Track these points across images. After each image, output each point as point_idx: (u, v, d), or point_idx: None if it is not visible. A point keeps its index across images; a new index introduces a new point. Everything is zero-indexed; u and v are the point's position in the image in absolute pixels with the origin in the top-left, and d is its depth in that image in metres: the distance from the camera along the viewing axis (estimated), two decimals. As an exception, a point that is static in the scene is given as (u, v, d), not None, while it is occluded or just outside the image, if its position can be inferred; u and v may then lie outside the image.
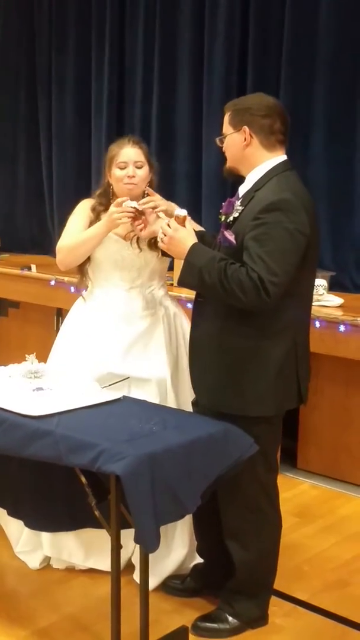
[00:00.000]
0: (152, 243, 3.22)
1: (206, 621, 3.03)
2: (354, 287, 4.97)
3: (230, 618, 3.02)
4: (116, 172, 3.26)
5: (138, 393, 3.18)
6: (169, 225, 2.83)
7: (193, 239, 2.80)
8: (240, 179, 2.90)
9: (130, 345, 3.28)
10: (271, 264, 2.61)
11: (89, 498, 2.72)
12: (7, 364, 3.05)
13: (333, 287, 4.75)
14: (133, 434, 2.56)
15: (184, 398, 3.25)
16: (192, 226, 2.93)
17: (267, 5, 5.09)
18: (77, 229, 3.31)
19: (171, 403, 3.22)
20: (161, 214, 3.11)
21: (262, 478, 2.93)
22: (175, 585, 3.26)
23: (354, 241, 4.95)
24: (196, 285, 2.79)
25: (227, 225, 2.80)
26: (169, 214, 3.04)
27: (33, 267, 5.70)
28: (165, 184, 3.48)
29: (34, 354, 3.01)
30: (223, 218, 2.82)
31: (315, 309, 3.94)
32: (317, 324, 4.19)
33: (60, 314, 5.58)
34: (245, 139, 2.80)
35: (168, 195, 3.30)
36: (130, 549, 3.25)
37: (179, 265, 2.84)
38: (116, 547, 2.59)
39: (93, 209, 3.33)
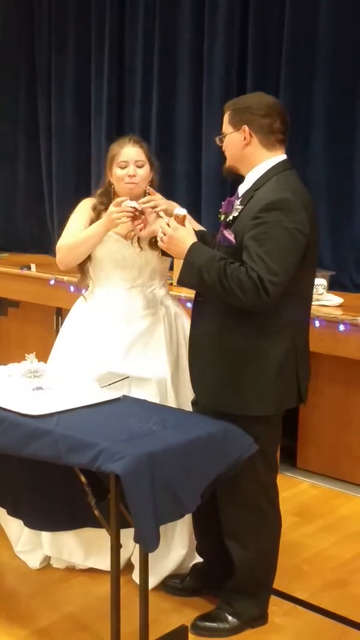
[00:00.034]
0: (153, 242, 3.22)
1: (206, 620, 3.03)
2: (354, 286, 4.97)
3: (229, 617, 3.02)
4: (117, 172, 3.26)
5: (138, 392, 3.18)
6: (168, 224, 2.83)
7: (192, 238, 2.80)
8: (240, 179, 2.90)
9: (131, 344, 3.28)
10: (271, 263, 2.61)
11: (89, 497, 2.72)
12: (6, 364, 3.05)
13: (333, 287, 4.75)
14: (132, 433, 2.56)
15: (184, 398, 3.25)
16: (192, 226, 2.93)
17: (267, 5, 5.09)
18: (77, 228, 3.31)
19: (171, 403, 3.22)
20: (162, 214, 3.11)
21: (262, 477, 2.93)
22: (175, 585, 3.26)
23: (353, 241, 4.95)
24: (196, 285, 2.79)
25: (227, 225, 2.80)
26: (168, 213, 3.04)
27: (33, 266, 5.70)
28: (164, 183, 3.48)
29: (34, 353, 3.01)
30: (222, 217, 2.82)
31: (314, 309, 3.95)
32: (317, 323, 4.20)
33: (60, 313, 5.58)
34: (244, 138, 2.80)
35: (168, 194, 3.30)
36: (130, 549, 3.25)
37: (178, 264, 2.84)
38: (116, 547, 2.59)
39: (94, 208, 3.33)
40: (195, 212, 3.39)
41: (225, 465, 2.68)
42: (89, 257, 3.33)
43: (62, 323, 3.60)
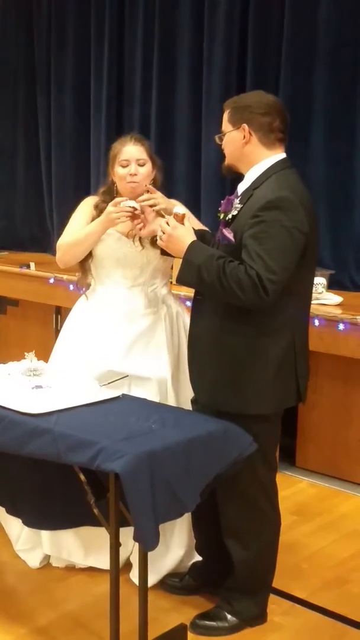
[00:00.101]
0: (155, 241, 3.21)
1: (205, 619, 3.03)
2: (353, 285, 4.97)
3: (229, 616, 3.02)
4: (119, 170, 3.26)
5: (138, 392, 3.18)
6: (167, 223, 2.83)
7: (192, 237, 2.80)
8: (239, 177, 2.90)
9: (132, 343, 3.28)
10: (270, 262, 2.61)
11: (88, 496, 2.72)
12: (6, 362, 3.05)
13: (332, 286, 4.75)
14: (132, 432, 2.56)
15: (184, 397, 3.24)
16: (194, 225, 2.93)
17: (267, 4, 5.08)
18: (78, 226, 3.31)
19: (171, 402, 3.21)
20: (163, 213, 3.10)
21: (261, 476, 2.93)
22: (174, 583, 3.27)
23: (353, 240, 4.95)
24: (195, 283, 2.78)
25: (226, 223, 2.80)
26: (168, 212, 3.04)
27: (32, 265, 5.70)
28: (164, 182, 3.47)
29: (33, 351, 3.01)
30: (222, 216, 2.82)
31: (314, 307, 3.94)
32: (316, 322, 4.20)
33: (60, 312, 5.58)
34: (244, 137, 2.80)
35: (167, 193, 3.29)
36: (130, 548, 3.26)
37: (177, 263, 2.84)
38: (115, 545, 2.60)
39: (96, 207, 3.32)
40: (195, 211, 3.39)
41: (225, 464, 2.68)
42: (90, 255, 3.33)
43: (61, 322, 3.60)
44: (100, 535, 3.09)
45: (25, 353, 3.00)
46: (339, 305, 4.43)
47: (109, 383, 3.03)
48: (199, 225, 3.22)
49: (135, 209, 3.11)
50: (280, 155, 2.84)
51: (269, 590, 3.12)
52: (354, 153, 4.87)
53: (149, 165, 3.27)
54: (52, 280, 5.43)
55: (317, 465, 4.56)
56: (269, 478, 2.99)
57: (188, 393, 3.17)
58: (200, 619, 3.03)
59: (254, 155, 2.82)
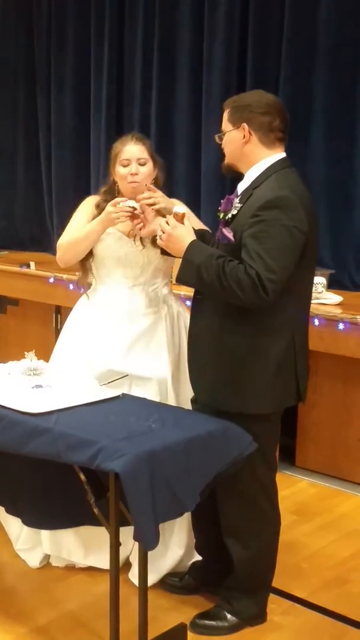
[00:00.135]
0: (155, 240, 3.21)
1: (205, 619, 3.03)
2: (353, 285, 4.97)
3: (228, 615, 3.02)
4: (120, 170, 3.26)
5: (139, 392, 3.17)
6: (167, 222, 2.83)
7: (191, 236, 2.80)
8: (239, 176, 2.90)
9: (132, 343, 3.28)
10: (269, 261, 2.61)
11: (88, 495, 2.72)
12: (6, 361, 3.05)
13: (332, 285, 4.75)
14: (132, 431, 2.56)
15: (184, 398, 3.24)
16: (195, 224, 2.93)
17: (267, 4, 5.08)
18: (78, 226, 3.31)
19: (172, 402, 3.21)
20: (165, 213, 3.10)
21: (261, 476, 2.93)
22: (174, 583, 3.27)
23: (353, 239, 4.95)
24: (194, 283, 2.78)
25: (226, 223, 2.80)
26: (168, 211, 3.04)
27: (32, 264, 5.70)
28: (165, 182, 3.47)
29: (33, 351, 3.01)
30: (221, 215, 2.82)
31: (314, 307, 3.95)
32: (316, 321, 4.20)
33: (59, 311, 5.58)
34: (244, 136, 2.80)
35: (167, 193, 3.29)
36: (129, 547, 3.26)
37: (177, 262, 2.84)
38: (115, 545, 2.60)
39: (97, 206, 3.32)
40: (195, 211, 3.39)
41: (225, 464, 2.68)
42: (91, 255, 3.33)
43: (61, 321, 3.60)
44: (100, 535, 3.09)
45: (25, 352, 3.00)
46: (338, 304, 4.43)
47: (109, 382, 3.03)
48: (200, 225, 3.22)
49: (134, 208, 3.10)
50: (280, 154, 2.84)
51: (269, 589, 3.12)
52: (354, 153, 4.87)
53: (150, 165, 3.27)
54: (52, 280, 5.43)
55: (317, 464, 4.57)
56: (268, 477, 2.99)
57: (188, 393, 3.17)
58: (200, 619, 3.03)
59: (253, 155, 2.82)
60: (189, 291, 3.17)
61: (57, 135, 6.46)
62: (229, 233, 2.75)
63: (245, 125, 2.80)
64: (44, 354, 3.22)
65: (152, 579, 3.17)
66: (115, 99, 6.06)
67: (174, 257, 2.89)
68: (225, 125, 2.87)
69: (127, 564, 3.31)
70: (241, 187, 2.85)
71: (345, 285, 4.96)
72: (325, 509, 4.14)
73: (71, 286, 5.15)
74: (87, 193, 3.54)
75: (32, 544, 3.45)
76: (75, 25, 6.27)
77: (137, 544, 2.75)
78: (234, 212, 2.79)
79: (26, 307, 5.92)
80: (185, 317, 3.39)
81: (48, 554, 3.45)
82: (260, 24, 5.11)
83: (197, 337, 2.92)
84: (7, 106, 6.69)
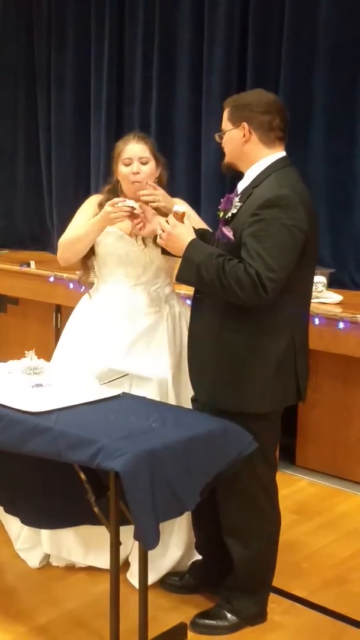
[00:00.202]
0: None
1: (205, 618, 3.03)
2: (353, 284, 4.97)
3: (229, 615, 3.02)
4: (122, 169, 3.26)
5: (139, 392, 3.16)
6: (167, 221, 2.83)
7: (191, 236, 2.80)
8: (239, 175, 2.90)
9: (133, 342, 3.27)
10: (269, 260, 2.61)
11: (88, 495, 2.72)
12: (6, 360, 3.05)
13: (332, 284, 4.75)
14: (132, 430, 2.56)
15: (185, 398, 3.23)
16: (196, 224, 2.93)
17: (267, 4, 5.08)
18: (79, 224, 3.30)
19: (172, 403, 3.20)
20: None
21: (261, 475, 2.93)
22: (174, 582, 3.26)
23: (353, 238, 4.95)
24: (194, 282, 2.78)
25: (226, 222, 2.80)
26: (168, 210, 3.04)
27: (32, 263, 5.70)
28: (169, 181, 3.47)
29: (34, 350, 3.01)
30: (221, 214, 2.82)
31: (314, 306, 3.94)
32: (317, 320, 4.20)
33: (59, 310, 5.58)
34: (244, 135, 2.80)
35: (168, 192, 3.29)
36: (129, 547, 3.25)
37: (177, 261, 2.84)
38: (115, 544, 2.59)
39: (100, 205, 3.31)
40: (195, 210, 3.39)
41: (225, 463, 2.68)
42: (93, 253, 3.33)
43: (61, 320, 3.60)
44: (100, 535, 3.09)
45: (26, 351, 3.00)
46: (339, 304, 4.43)
47: (109, 381, 3.03)
48: (201, 224, 3.23)
49: (133, 208, 3.10)
50: (280, 153, 2.84)
51: (269, 589, 3.12)
52: (354, 153, 4.87)
53: (152, 164, 3.26)
54: (52, 279, 5.43)
55: (317, 464, 4.56)
56: (269, 477, 2.99)
57: (189, 394, 3.16)
58: (200, 618, 3.03)
59: (253, 154, 2.82)
60: (189, 290, 3.17)
61: (57, 135, 6.46)
62: (228, 232, 2.75)
63: (245, 124, 2.79)
64: (44, 353, 3.22)
65: (152, 578, 3.16)
66: (115, 98, 6.06)
67: (175, 256, 2.89)
68: (225, 124, 2.87)
69: (127, 564, 3.31)
70: (241, 186, 2.85)
71: (346, 284, 4.96)
72: (326, 508, 4.14)
73: (71, 285, 5.15)
74: (87, 192, 3.55)
75: (32, 544, 3.45)
76: (76, 25, 6.28)
77: (136, 544, 2.75)
78: (234, 211, 2.79)
79: (26, 306, 5.92)
80: (187, 317, 3.38)
81: (48, 554, 3.45)
82: (260, 24, 5.11)
83: (197, 336, 2.92)
84: (7, 106, 6.69)
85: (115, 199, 3.16)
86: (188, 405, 3.13)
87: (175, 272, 2.88)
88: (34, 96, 6.67)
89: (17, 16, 6.61)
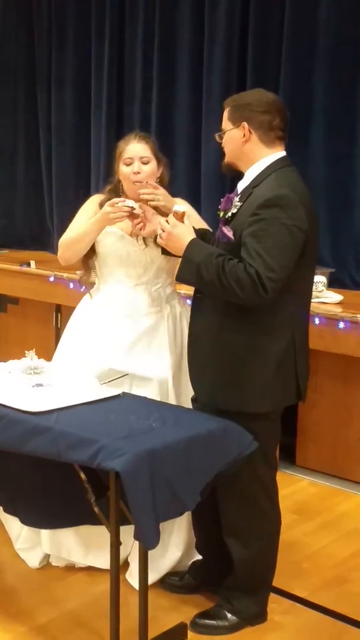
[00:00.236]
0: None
1: (205, 618, 3.03)
2: (354, 284, 4.97)
3: (229, 615, 3.02)
4: (123, 169, 3.26)
5: (139, 392, 3.16)
6: (167, 221, 2.83)
7: (191, 235, 2.80)
8: (239, 175, 2.90)
9: (134, 342, 3.27)
10: (269, 260, 2.61)
11: (88, 494, 2.72)
12: (6, 360, 3.05)
13: (332, 284, 4.75)
14: (132, 430, 2.56)
15: (185, 398, 3.23)
16: (197, 223, 2.93)
17: (267, 4, 5.08)
18: (80, 224, 3.30)
19: (172, 403, 3.20)
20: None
21: (262, 475, 2.93)
22: (174, 582, 3.26)
23: (353, 238, 4.95)
24: (194, 281, 2.78)
25: (226, 221, 2.80)
26: (168, 210, 3.04)
27: (32, 263, 5.70)
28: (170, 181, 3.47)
29: (34, 350, 3.01)
30: (221, 214, 2.82)
31: (314, 306, 3.94)
32: (317, 320, 4.19)
33: (60, 310, 5.58)
34: (244, 135, 2.80)
35: (169, 192, 3.28)
36: (129, 547, 3.25)
37: (178, 261, 2.84)
38: (115, 544, 2.59)
39: (101, 205, 3.31)
40: (195, 209, 3.39)
41: (225, 463, 2.68)
42: (93, 253, 3.33)
43: (61, 320, 3.60)
44: (100, 535, 3.09)
45: (26, 351, 3.00)
46: (339, 303, 4.43)
47: (109, 381, 3.03)
48: (202, 223, 3.22)
49: (133, 208, 3.10)
50: (280, 153, 2.84)
51: (269, 589, 3.12)
52: (354, 153, 4.87)
53: (153, 164, 3.26)
54: (52, 279, 5.43)
55: (318, 464, 4.56)
56: (269, 477, 2.99)
57: (189, 394, 3.16)
58: (201, 618, 3.03)
59: (253, 154, 2.82)
60: (189, 290, 3.17)
61: (57, 135, 6.46)
62: (228, 232, 2.75)
63: (245, 124, 2.79)
64: (44, 352, 3.22)
65: (152, 578, 3.16)
66: (116, 98, 6.06)
67: (175, 256, 2.89)
68: (225, 124, 2.87)
69: (126, 564, 3.31)
70: (241, 185, 2.85)
71: (346, 284, 4.96)
72: (326, 508, 4.14)
73: (71, 285, 5.15)
74: (87, 192, 3.55)
75: (32, 544, 3.45)
76: (76, 24, 6.27)
77: (136, 544, 2.74)
78: (234, 210, 2.79)
79: (26, 305, 5.92)
80: (188, 317, 3.37)
81: (48, 554, 3.45)
82: (260, 23, 5.11)
83: (197, 336, 2.92)
84: (7, 105, 6.69)
85: (115, 199, 3.15)
86: (188, 405, 3.13)
87: (175, 272, 2.87)
88: (34, 96, 6.67)
89: (17, 16, 6.61)
